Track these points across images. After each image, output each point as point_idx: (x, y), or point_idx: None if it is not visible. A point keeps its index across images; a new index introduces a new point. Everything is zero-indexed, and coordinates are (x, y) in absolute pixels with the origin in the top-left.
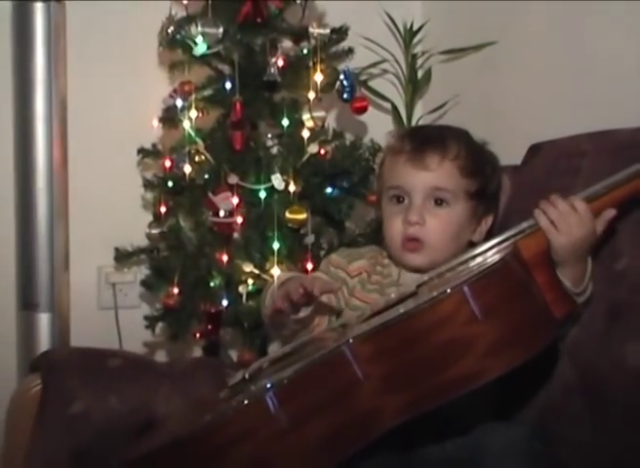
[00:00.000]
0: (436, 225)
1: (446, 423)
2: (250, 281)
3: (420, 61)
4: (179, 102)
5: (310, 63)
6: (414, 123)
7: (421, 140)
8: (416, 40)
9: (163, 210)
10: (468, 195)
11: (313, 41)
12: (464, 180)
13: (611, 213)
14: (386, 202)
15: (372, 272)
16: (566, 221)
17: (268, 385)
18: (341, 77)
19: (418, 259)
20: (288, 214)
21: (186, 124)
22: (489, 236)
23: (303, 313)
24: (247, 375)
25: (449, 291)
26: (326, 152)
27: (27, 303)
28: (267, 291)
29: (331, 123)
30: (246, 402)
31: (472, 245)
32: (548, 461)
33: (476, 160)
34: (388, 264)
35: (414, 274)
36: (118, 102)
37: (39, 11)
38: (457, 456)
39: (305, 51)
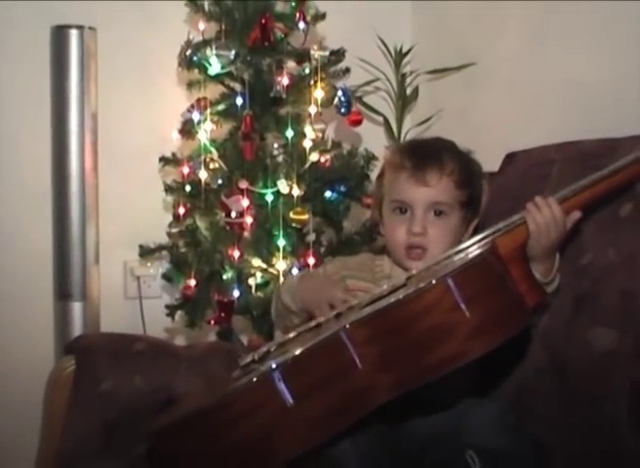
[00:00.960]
0: (436, 234)
1: (432, 400)
2: (258, 274)
3: (408, 80)
4: (195, 116)
5: (312, 82)
6: (403, 134)
7: (421, 157)
8: (405, 61)
9: (181, 211)
10: (461, 204)
11: (314, 62)
12: (458, 192)
13: (577, 214)
14: (389, 212)
15: (359, 270)
16: (547, 226)
17: (275, 365)
18: (339, 94)
19: (419, 265)
20: (292, 215)
21: (202, 135)
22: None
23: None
24: (256, 357)
25: (434, 282)
26: (325, 160)
27: (62, 294)
28: (284, 289)
29: (330, 134)
30: (255, 380)
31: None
32: (521, 432)
33: (467, 172)
34: (381, 264)
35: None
36: (142, 116)
37: (74, 37)
38: (441, 429)
39: (307, 70)
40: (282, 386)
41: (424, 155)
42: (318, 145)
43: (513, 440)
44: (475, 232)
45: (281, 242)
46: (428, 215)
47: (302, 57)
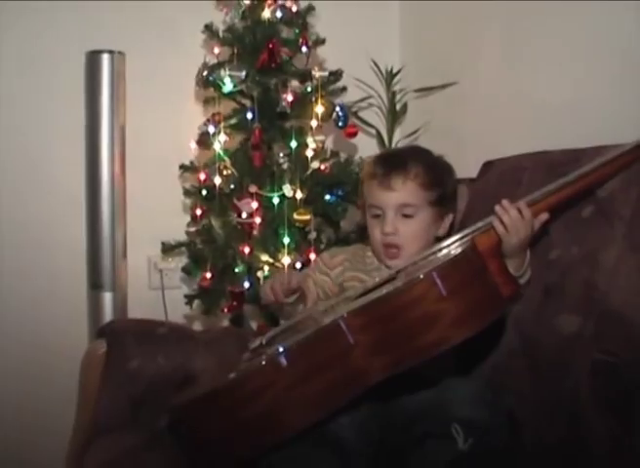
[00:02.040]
0: (408, 232)
1: (420, 378)
2: (266, 268)
3: (398, 97)
4: (211, 129)
5: (313, 98)
6: (394, 144)
7: (388, 166)
8: (395, 81)
9: (198, 212)
10: (430, 203)
11: (315, 81)
12: (425, 193)
13: (545, 216)
14: (369, 216)
15: (353, 260)
16: (516, 226)
17: (281, 349)
18: (337, 109)
19: (398, 263)
20: (295, 216)
21: (217, 146)
22: (452, 229)
23: (291, 299)
24: (264, 341)
25: (421, 276)
26: (325, 167)
27: (95, 284)
28: (265, 285)
29: (329, 145)
30: (263, 362)
31: (439, 238)
32: (497, 406)
33: (433, 174)
34: (371, 256)
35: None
36: (164, 129)
37: (105, 60)
38: (428, 404)
39: (309, 89)
40: (287, 368)
41: (390, 163)
42: (318, 154)
43: (490, 413)
44: (452, 228)
45: (286, 239)
46: (398, 217)
47: (305, 76)
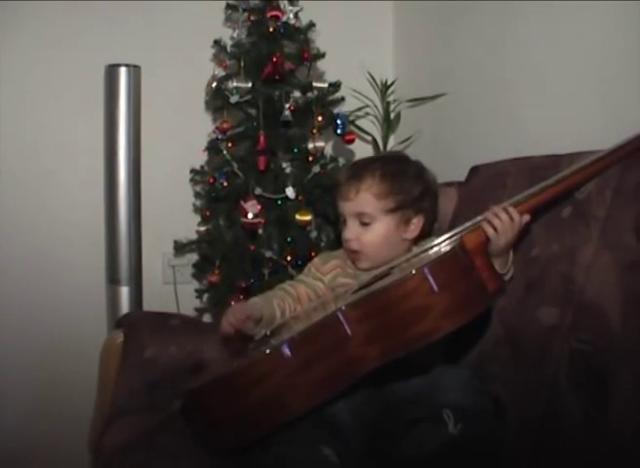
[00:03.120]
0: (367, 239)
1: (412, 365)
2: (270, 264)
3: (392, 107)
4: (219, 136)
5: (314, 108)
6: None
7: (347, 176)
8: (389, 92)
9: (208, 213)
10: (387, 211)
11: (316, 92)
12: (380, 202)
13: (527, 218)
14: (341, 222)
15: (344, 266)
16: (504, 229)
17: (284, 339)
18: (336, 118)
19: (361, 264)
20: (297, 217)
21: (225, 151)
22: (428, 226)
23: (258, 329)
24: (268, 332)
25: (414, 271)
26: (325, 171)
27: (113, 279)
28: (222, 320)
29: (328, 151)
30: (267, 351)
31: (416, 239)
32: (483, 392)
33: (389, 183)
34: None
35: (381, 268)
36: (177, 136)
37: (123, 73)
38: (420, 390)
39: (310, 99)
40: (289, 356)
41: (349, 173)
42: (319, 160)
43: (478, 399)
44: (424, 227)
45: (288, 238)
46: (357, 224)
47: (306, 88)
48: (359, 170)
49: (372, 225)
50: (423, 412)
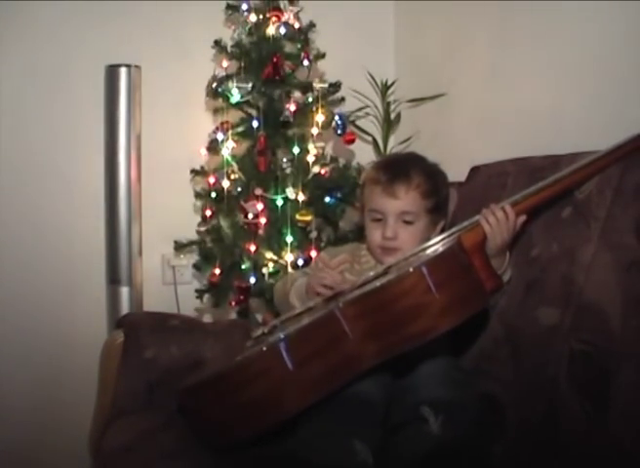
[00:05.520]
0: (407, 237)
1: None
2: (270, 264)
3: (392, 107)
4: (219, 136)
5: (314, 108)
6: (388, 151)
7: (392, 173)
8: (389, 92)
9: (208, 213)
10: (427, 211)
11: (316, 92)
12: (425, 202)
13: (523, 218)
14: (368, 219)
15: (353, 261)
16: (500, 228)
17: (281, 337)
18: (336, 118)
19: (392, 260)
20: (297, 217)
21: (225, 151)
22: (441, 232)
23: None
24: (265, 330)
25: (411, 270)
26: (325, 172)
27: (113, 279)
28: (292, 292)
29: (328, 151)
30: (265, 349)
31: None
32: (466, 386)
33: (433, 183)
34: (366, 254)
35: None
36: (177, 137)
37: (123, 73)
38: (404, 383)
39: (310, 99)
40: (287, 353)
41: (395, 171)
42: (319, 160)
43: (459, 391)
44: (443, 230)
45: (289, 238)
46: (399, 223)
47: (306, 88)
48: (405, 167)
49: (414, 224)
50: (403, 416)
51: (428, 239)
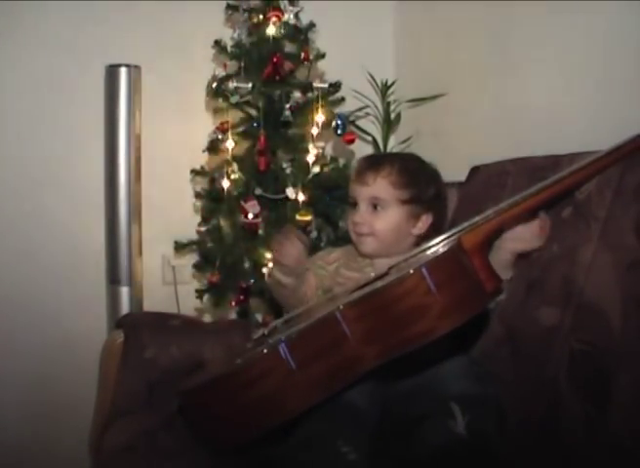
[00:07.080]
0: (378, 224)
1: (416, 366)
2: (270, 265)
3: (392, 107)
4: (220, 136)
5: (314, 108)
6: (388, 151)
7: (365, 165)
8: (389, 92)
9: (208, 213)
10: (401, 202)
11: (316, 92)
12: (396, 191)
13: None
14: (349, 206)
15: (347, 259)
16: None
17: (281, 338)
18: (336, 118)
19: (366, 248)
20: (297, 217)
21: (225, 152)
22: (434, 229)
23: (289, 280)
24: (266, 332)
25: (411, 271)
26: (325, 172)
27: (113, 279)
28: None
29: (328, 151)
30: (265, 350)
31: (421, 238)
32: (486, 378)
33: (407, 176)
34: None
35: (384, 259)
36: (177, 136)
37: (123, 73)
38: (421, 383)
39: (310, 99)
40: (287, 355)
41: (369, 162)
42: (319, 160)
43: (481, 385)
44: (437, 226)
45: None
46: (369, 208)
47: (306, 88)
48: (379, 159)
49: (384, 211)
50: (427, 407)
51: (414, 233)
